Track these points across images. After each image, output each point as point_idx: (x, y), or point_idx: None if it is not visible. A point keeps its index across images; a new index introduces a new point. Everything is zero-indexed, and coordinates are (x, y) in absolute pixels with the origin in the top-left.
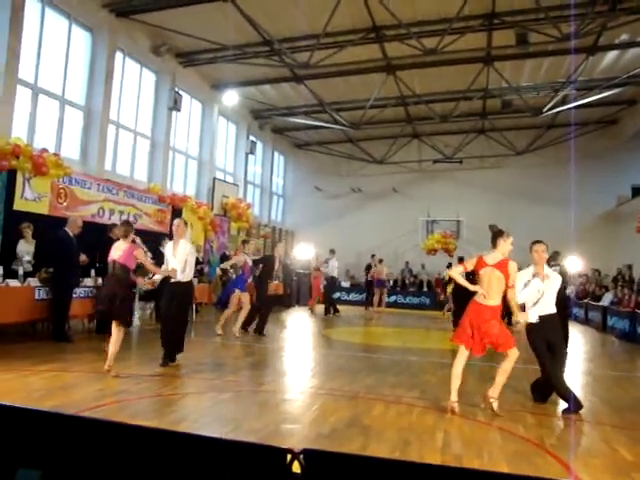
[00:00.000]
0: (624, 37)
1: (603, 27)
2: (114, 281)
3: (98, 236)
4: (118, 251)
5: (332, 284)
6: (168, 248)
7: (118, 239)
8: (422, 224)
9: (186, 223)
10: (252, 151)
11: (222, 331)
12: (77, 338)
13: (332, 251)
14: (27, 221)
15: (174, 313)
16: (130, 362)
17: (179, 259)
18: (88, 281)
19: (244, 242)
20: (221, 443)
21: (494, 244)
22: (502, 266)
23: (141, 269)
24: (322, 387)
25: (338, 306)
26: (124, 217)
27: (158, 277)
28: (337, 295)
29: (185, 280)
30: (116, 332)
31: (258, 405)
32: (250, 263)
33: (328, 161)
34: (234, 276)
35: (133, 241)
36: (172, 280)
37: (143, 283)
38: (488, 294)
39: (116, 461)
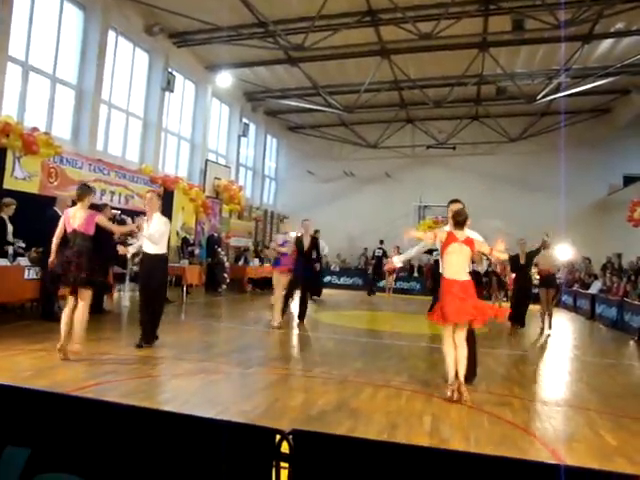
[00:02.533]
0: (619, 26)
1: (599, 15)
2: (75, 252)
3: None
4: (77, 219)
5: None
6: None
7: (109, 220)
8: (414, 209)
9: (159, 195)
10: (245, 133)
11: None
12: None
13: (316, 231)
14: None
15: (152, 289)
16: (120, 343)
17: (153, 230)
18: None
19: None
20: (210, 423)
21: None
22: (469, 242)
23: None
24: (311, 370)
25: (329, 290)
26: (115, 198)
27: (133, 247)
28: (328, 279)
29: (160, 252)
30: (82, 307)
31: (247, 387)
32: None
33: (321, 145)
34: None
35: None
36: (146, 252)
37: (122, 252)
38: (458, 269)
39: (104, 440)
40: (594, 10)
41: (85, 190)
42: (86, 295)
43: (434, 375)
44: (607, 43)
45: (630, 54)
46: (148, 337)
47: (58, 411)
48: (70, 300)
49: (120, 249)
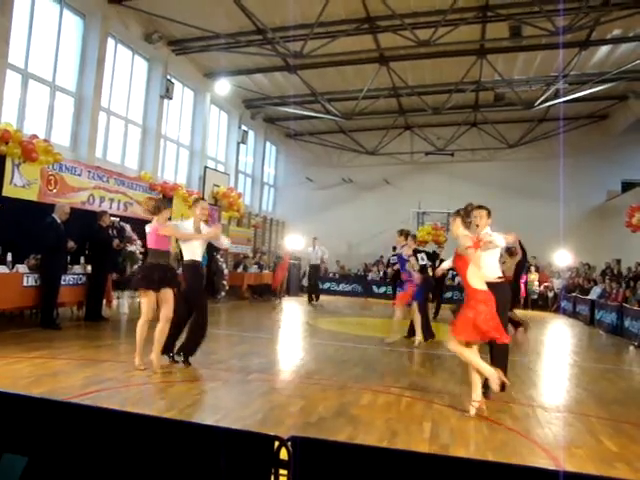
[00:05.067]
0: (616, 32)
1: (596, 22)
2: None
3: (88, 224)
4: (149, 234)
5: (314, 272)
6: (188, 226)
7: (108, 227)
8: (413, 215)
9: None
10: (244, 140)
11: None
12: (65, 325)
13: (314, 239)
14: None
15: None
16: (119, 350)
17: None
18: (77, 268)
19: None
20: (209, 430)
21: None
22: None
23: (131, 256)
24: (311, 376)
25: (328, 296)
26: (115, 205)
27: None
28: (327, 285)
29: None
30: (163, 322)
31: (246, 394)
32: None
33: (320, 151)
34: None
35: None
36: (196, 259)
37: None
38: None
39: (104, 448)
40: (591, 17)
41: (157, 202)
42: (170, 313)
43: (434, 381)
44: (604, 49)
45: (627, 60)
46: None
47: (57, 418)
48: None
49: (115, 243)
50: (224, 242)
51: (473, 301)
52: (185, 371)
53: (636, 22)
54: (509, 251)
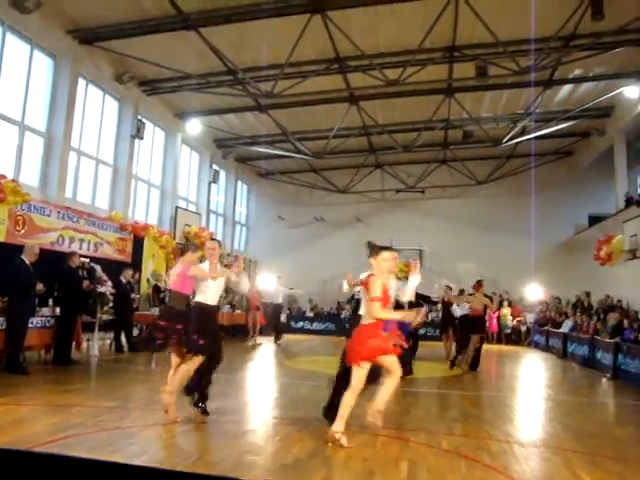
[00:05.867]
0: (577, 72)
1: (558, 62)
2: (172, 315)
3: (57, 264)
4: (172, 276)
5: (275, 311)
6: (202, 270)
7: (78, 268)
8: None
9: (220, 244)
10: (215, 180)
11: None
12: (32, 370)
13: (278, 277)
14: None
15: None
16: (89, 394)
17: (218, 281)
18: (45, 310)
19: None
20: (181, 477)
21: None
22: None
23: (101, 298)
24: (285, 417)
25: (302, 335)
26: (85, 245)
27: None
28: (300, 324)
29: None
30: (189, 363)
31: (220, 436)
32: None
33: (291, 190)
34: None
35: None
36: (211, 304)
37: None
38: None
39: None
40: (553, 57)
41: (189, 246)
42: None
43: (409, 419)
44: (567, 88)
45: (588, 98)
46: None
47: (21, 469)
48: (175, 360)
49: (85, 284)
50: (243, 284)
51: None
52: (156, 414)
53: (595, 63)
54: (476, 286)
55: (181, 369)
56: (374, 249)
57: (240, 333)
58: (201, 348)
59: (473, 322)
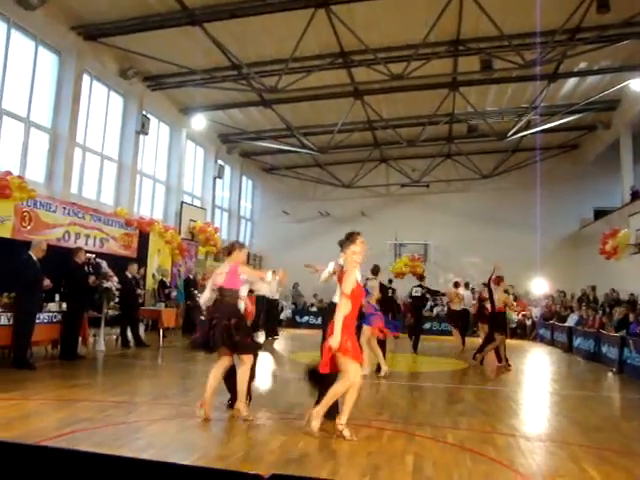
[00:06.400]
0: (582, 65)
1: (563, 55)
2: (224, 311)
3: (63, 260)
4: (221, 275)
5: (270, 307)
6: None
7: (84, 264)
8: (390, 247)
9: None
10: (220, 175)
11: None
12: (39, 365)
13: (273, 272)
14: None
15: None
16: (96, 389)
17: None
18: (52, 306)
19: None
20: (188, 470)
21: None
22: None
23: (107, 293)
24: (291, 412)
25: (308, 330)
26: (90, 241)
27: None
28: (305, 319)
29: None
30: (242, 367)
31: (226, 431)
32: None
33: (296, 185)
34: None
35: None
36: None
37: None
38: None
39: None
40: (558, 51)
41: (233, 245)
42: (246, 359)
43: (415, 413)
44: (572, 82)
45: (594, 92)
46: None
47: (29, 463)
48: (224, 360)
49: (90, 279)
50: (264, 286)
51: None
52: (163, 409)
53: (600, 56)
54: (496, 280)
55: (242, 373)
56: (345, 242)
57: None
58: (253, 346)
59: (499, 319)
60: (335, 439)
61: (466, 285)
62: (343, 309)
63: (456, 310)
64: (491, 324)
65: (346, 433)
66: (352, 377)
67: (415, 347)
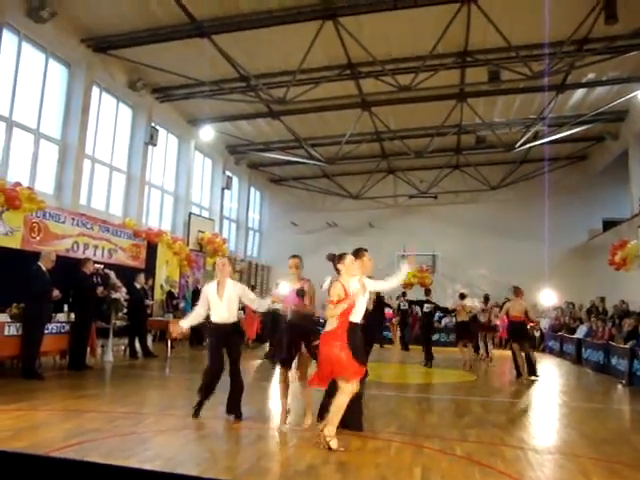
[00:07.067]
0: (590, 76)
1: (571, 66)
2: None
3: (72, 271)
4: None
5: (274, 320)
6: (211, 288)
7: (92, 274)
8: (398, 259)
9: (230, 260)
10: (228, 186)
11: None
12: (48, 375)
13: (276, 284)
14: None
15: (234, 359)
16: (104, 400)
17: (228, 299)
18: (60, 316)
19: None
20: None
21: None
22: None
23: (115, 304)
24: (298, 423)
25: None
26: (99, 252)
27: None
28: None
29: (236, 320)
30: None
31: (234, 442)
32: None
33: (304, 196)
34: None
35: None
36: (222, 322)
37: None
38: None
39: None
40: (566, 62)
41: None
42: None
43: (423, 425)
44: (580, 92)
45: (602, 103)
46: (237, 409)
47: (37, 474)
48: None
49: (99, 290)
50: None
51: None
52: (170, 420)
53: (608, 67)
54: (516, 292)
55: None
56: (338, 257)
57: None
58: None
59: (516, 329)
60: (345, 451)
61: (485, 298)
62: (331, 312)
63: (463, 321)
64: (510, 334)
65: (333, 444)
66: (353, 385)
67: (428, 360)
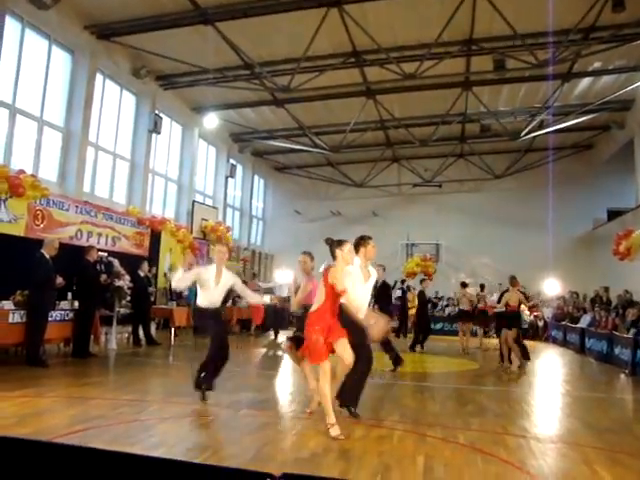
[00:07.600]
0: (597, 65)
1: (577, 55)
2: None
3: (75, 259)
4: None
5: (277, 308)
6: (209, 273)
7: (96, 262)
8: (402, 247)
9: (229, 249)
10: (232, 174)
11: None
12: (52, 362)
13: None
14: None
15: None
16: (107, 387)
17: (223, 285)
18: (64, 304)
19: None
20: (198, 468)
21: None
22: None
23: (119, 291)
24: (302, 411)
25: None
26: (102, 240)
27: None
28: None
29: (218, 306)
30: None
31: (237, 430)
32: None
33: (308, 184)
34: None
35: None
36: (205, 305)
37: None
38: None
39: None
40: (572, 50)
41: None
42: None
43: (425, 413)
44: (586, 81)
45: (608, 91)
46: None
47: (41, 460)
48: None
49: (102, 278)
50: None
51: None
52: (174, 407)
53: (615, 55)
54: (512, 282)
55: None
56: (337, 242)
57: (256, 327)
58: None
59: (509, 317)
60: (348, 439)
61: (481, 287)
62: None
63: (465, 309)
64: (505, 323)
65: (332, 432)
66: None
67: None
